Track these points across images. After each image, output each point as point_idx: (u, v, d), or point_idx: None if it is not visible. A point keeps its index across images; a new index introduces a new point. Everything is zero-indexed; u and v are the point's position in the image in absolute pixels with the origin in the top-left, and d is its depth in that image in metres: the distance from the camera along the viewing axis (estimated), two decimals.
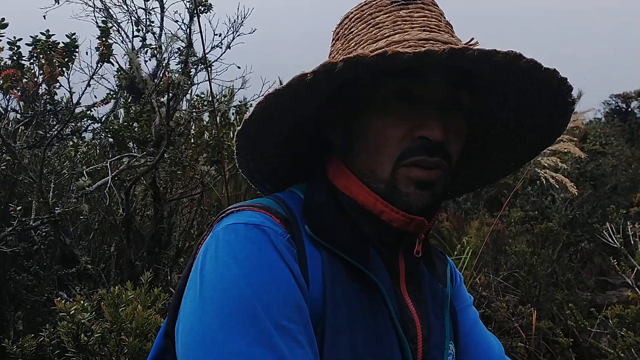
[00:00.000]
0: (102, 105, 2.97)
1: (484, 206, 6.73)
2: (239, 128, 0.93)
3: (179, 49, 2.80)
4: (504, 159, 1.13)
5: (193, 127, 3.26)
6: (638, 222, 2.91)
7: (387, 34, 0.90)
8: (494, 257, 4.62)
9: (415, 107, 0.89)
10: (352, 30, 0.98)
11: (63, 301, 1.70)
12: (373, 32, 0.93)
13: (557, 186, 3.09)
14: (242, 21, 2.67)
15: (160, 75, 2.89)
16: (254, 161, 1.02)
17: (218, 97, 3.25)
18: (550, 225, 4.92)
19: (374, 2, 0.97)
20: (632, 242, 2.64)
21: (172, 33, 2.70)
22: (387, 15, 0.94)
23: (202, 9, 2.75)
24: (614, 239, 2.50)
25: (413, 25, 0.91)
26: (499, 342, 1.12)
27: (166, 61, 2.80)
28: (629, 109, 9.75)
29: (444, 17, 0.98)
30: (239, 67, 2.72)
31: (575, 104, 0.95)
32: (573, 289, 4.63)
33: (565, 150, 3.14)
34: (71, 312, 1.65)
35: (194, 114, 2.86)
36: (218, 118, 2.89)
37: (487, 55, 0.78)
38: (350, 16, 1.00)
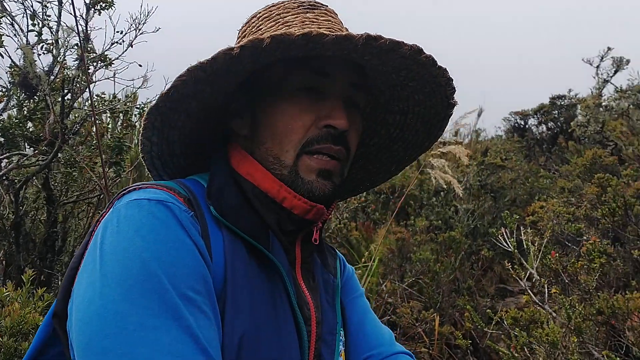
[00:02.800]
0: None
1: (391, 216, 6.90)
2: (152, 103, 0.91)
3: (76, 44, 2.66)
4: (386, 163, 1.21)
5: (94, 128, 3.11)
6: (531, 230, 3.07)
7: (310, 29, 0.94)
8: (399, 265, 4.73)
9: (321, 100, 0.95)
10: (260, 27, 1.01)
11: None
12: (282, 29, 0.96)
13: (445, 186, 3.21)
14: (145, 19, 2.58)
15: (57, 71, 2.73)
16: (158, 144, 1.00)
17: (121, 97, 3.11)
18: (453, 235, 5.11)
19: (281, 4, 1.03)
20: (525, 246, 2.78)
21: (67, 26, 2.55)
22: (295, 16, 0.99)
23: (103, 5, 2.62)
24: (509, 243, 2.62)
25: (320, 26, 0.97)
26: (390, 331, 1.17)
27: (62, 57, 2.65)
28: (527, 126, 10.37)
29: (344, 26, 1.06)
30: (140, 65, 2.62)
31: (455, 106, 1.03)
32: (474, 295, 4.81)
33: (454, 153, 3.26)
34: None
35: (91, 112, 2.72)
36: (118, 119, 2.77)
37: (396, 44, 0.84)
38: (258, 16, 1.04)
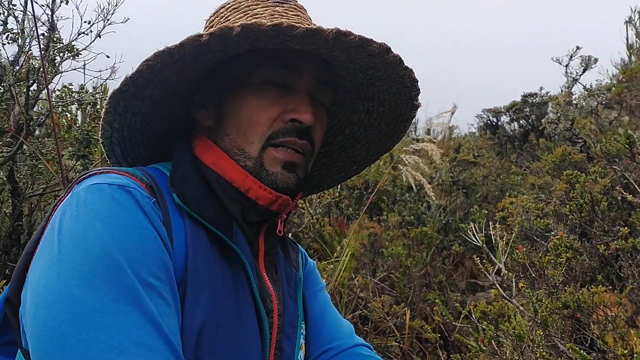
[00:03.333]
0: None
1: (365, 212, 6.93)
2: (115, 87, 0.89)
3: (42, 34, 2.59)
4: (348, 162, 1.22)
5: (62, 120, 3.05)
6: (500, 225, 3.10)
7: (280, 21, 0.93)
8: (371, 260, 4.75)
9: (288, 94, 0.95)
10: (229, 18, 1.00)
11: None
12: (252, 21, 0.94)
13: (414, 185, 3.24)
14: (114, 9, 2.52)
15: (22, 62, 2.67)
16: (119, 130, 0.97)
17: (89, 89, 3.05)
18: (425, 230, 5.15)
19: None
20: (493, 240, 2.81)
21: (33, 15, 2.49)
22: (265, 9, 0.98)
23: None
24: (477, 238, 2.65)
25: (289, 20, 0.95)
26: (350, 324, 1.18)
27: (28, 47, 2.59)
28: (499, 123, 10.50)
29: (313, 22, 1.05)
30: (108, 57, 2.57)
31: (419, 107, 1.04)
32: (445, 290, 4.86)
33: (427, 150, 3.29)
34: None
35: (59, 104, 2.66)
36: (87, 111, 2.71)
37: (365, 42, 0.85)
38: (227, 6, 1.03)
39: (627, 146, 3.83)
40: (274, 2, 1.00)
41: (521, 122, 9.76)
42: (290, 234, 4.52)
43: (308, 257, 1.22)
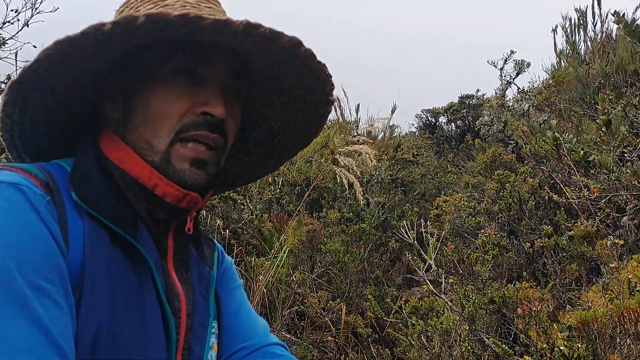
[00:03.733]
0: None
1: (305, 208, 6.96)
2: (13, 78, 0.84)
3: None
4: (265, 158, 1.20)
5: None
6: (434, 222, 3.19)
7: (188, 11, 0.90)
8: (309, 256, 4.78)
9: (199, 87, 0.91)
10: (139, 8, 0.97)
11: None
12: (159, 10, 0.91)
13: (347, 186, 3.30)
14: None
15: None
16: (19, 124, 0.92)
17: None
18: (364, 226, 5.22)
19: None
20: (424, 238, 2.88)
21: None
22: (175, 0, 0.95)
23: None
24: (409, 234, 2.71)
25: (201, 11, 0.93)
26: (265, 322, 1.19)
27: None
28: (437, 123, 10.76)
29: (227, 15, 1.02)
30: (35, 47, 2.47)
31: (334, 102, 1.04)
32: (382, 285, 4.94)
33: (360, 152, 3.35)
34: None
35: None
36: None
37: (276, 34, 0.83)
38: None
39: (554, 148, 4.00)
40: None
41: (458, 122, 10.05)
42: (228, 230, 4.49)
43: (225, 255, 1.20)
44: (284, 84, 1.04)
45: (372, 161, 3.25)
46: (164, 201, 0.91)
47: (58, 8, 2.51)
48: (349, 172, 3.37)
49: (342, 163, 3.42)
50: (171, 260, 0.96)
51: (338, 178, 3.45)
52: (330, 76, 0.97)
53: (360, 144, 3.43)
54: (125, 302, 0.82)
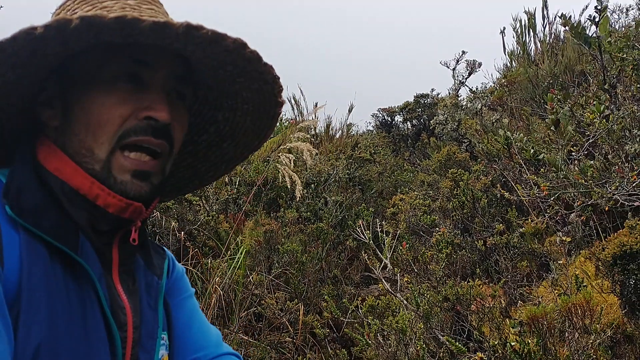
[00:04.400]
0: None
1: (263, 208, 6.93)
2: None
3: None
4: (216, 162, 1.18)
5: None
6: (389, 222, 3.22)
7: (124, 13, 0.87)
8: (267, 256, 4.75)
9: (142, 91, 0.88)
10: (76, 11, 0.93)
11: None
12: (95, 12, 0.88)
13: (289, 185, 3.30)
14: None
15: None
16: None
17: None
18: (321, 226, 5.23)
19: None
20: (380, 237, 2.91)
21: None
22: (115, 2, 0.92)
23: None
24: (365, 235, 2.73)
25: (142, 14, 0.90)
26: (218, 332, 1.17)
27: None
28: (393, 122, 10.87)
29: (170, 17, 0.99)
30: None
31: (283, 105, 1.03)
32: (340, 284, 4.96)
33: (299, 149, 3.35)
34: None
35: None
36: None
37: (219, 36, 0.81)
38: None
39: (506, 147, 4.10)
40: None
41: (414, 121, 10.18)
42: (184, 232, 4.42)
43: (177, 263, 1.18)
44: (231, 87, 1.02)
45: (311, 158, 3.25)
46: (107, 212, 0.88)
47: (2, 7, 2.42)
48: (290, 169, 3.36)
49: (284, 161, 3.41)
50: (116, 271, 0.93)
51: (280, 177, 3.43)
52: (278, 78, 0.95)
53: (303, 142, 3.43)
54: (66, 318, 0.79)
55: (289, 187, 3.41)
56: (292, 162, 3.34)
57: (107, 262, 0.91)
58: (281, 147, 3.53)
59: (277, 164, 3.55)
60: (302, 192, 6.76)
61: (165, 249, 1.15)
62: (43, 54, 0.79)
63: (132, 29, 0.75)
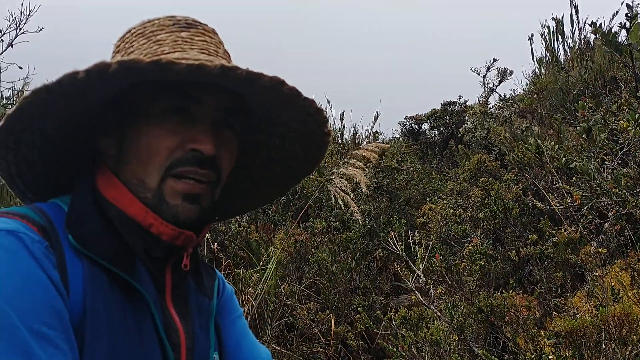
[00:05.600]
0: None
1: (292, 217, 6.97)
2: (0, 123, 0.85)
3: None
4: (269, 185, 1.22)
5: None
6: (419, 232, 3.22)
7: (166, 51, 0.93)
8: (297, 267, 4.78)
9: (189, 123, 0.93)
10: (133, 44, 0.98)
11: None
12: (153, 48, 0.95)
13: (343, 205, 3.34)
14: (27, 19, 2.42)
15: None
16: (16, 164, 0.94)
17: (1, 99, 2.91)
18: (350, 235, 5.24)
19: (156, 22, 1.00)
20: (412, 249, 2.91)
21: None
22: (169, 34, 0.97)
23: None
24: (397, 246, 2.74)
25: (193, 47, 0.95)
26: (267, 351, 1.20)
27: None
28: (421, 130, 10.83)
29: (223, 46, 1.04)
30: (20, 68, 2.46)
31: (330, 134, 1.05)
32: (370, 294, 4.96)
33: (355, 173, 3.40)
34: None
35: None
36: None
37: (255, 75, 0.84)
38: (132, 31, 1.01)
39: (537, 155, 4.07)
40: (180, 27, 0.98)
41: (441, 129, 10.13)
42: (216, 243, 4.48)
43: (226, 284, 1.21)
44: (278, 117, 1.06)
45: (364, 184, 3.29)
46: (160, 240, 0.92)
47: (43, 28, 2.51)
48: (344, 192, 3.40)
49: (338, 185, 3.45)
50: (169, 295, 0.97)
51: (333, 198, 3.48)
52: (322, 110, 0.98)
53: (356, 168, 3.47)
54: (125, 340, 0.84)
55: (343, 208, 3.45)
56: (348, 188, 3.38)
57: (161, 286, 0.95)
58: (334, 170, 3.57)
59: (329, 185, 3.58)
60: (331, 202, 6.78)
61: (215, 269, 1.19)
62: (90, 93, 0.85)
63: (169, 71, 0.78)
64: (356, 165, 3.51)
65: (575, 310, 2.87)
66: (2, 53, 2.51)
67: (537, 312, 2.95)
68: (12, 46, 2.51)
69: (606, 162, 3.63)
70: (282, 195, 1.24)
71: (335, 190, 3.43)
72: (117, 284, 0.86)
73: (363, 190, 3.32)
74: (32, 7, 2.40)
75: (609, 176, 3.51)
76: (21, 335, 0.70)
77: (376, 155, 3.45)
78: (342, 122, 9.71)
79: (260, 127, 1.11)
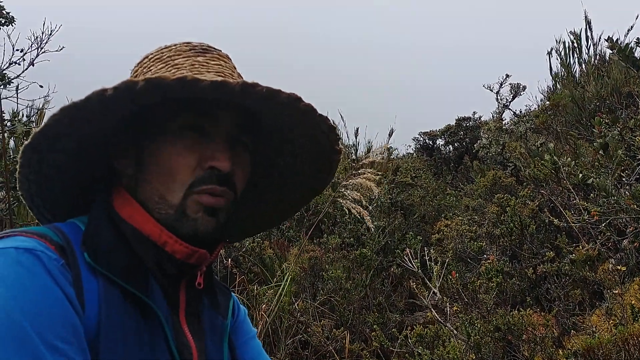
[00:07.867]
0: None
1: (305, 233, 6.95)
2: (26, 142, 0.88)
3: None
4: (280, 204, 1.24)
5: None
6: (434, 248, 3.20)
7: (185, 74, 0.94)
8: (312, 283, 4.77)
9: (206, 141, 0.95)
10: (150, 69, 1.02)
11: None
12: (172, 71, 0.98)
13: (359, 216, 3.33)
14: (48, 38, 2.47)
15: None
16: (36, 183, 0.97)
17: (21, 117, 2.96)
18: (364, 251, 5.22)
19: (173, 47, 1.04)
20: (428, 266, 2.89)
21: None
22: (186, 59, 1.00)
23: (3, 22, 2.50)
24: (413, 263, 2.72)
25: (209, 70, 0.99)
26: None
27: None
28: (435, 145, 10.81)
29: (237, 70, 1.08)
30: (41, 86, 2.50)
31: (341, 153, 1.08)
32: (384, 311, 4.92)
33: (367, 186, 3.39)
34: None
35: None
36: (21, 140, 2.63)
37: (274, 92, 0.88)
38: (149, 57, 1.05)
39: (553, 171, 4.04)
40: (196, 52, 1.02)
41: (456, 144, 10.11)
42: (230, 259, 4.49)
43: (240, 305, 1.23)
44: (290, 134, 1.08)
45: (375, 189, 3.28)
46: (174, 258, 0.94)
47: (63, 47, 2.56)
48: (357, 204, 3.39)
49: (349, 197, 3.45)
50: (183, 313, 0.98)
51: (346, 210, 3.47)
52: (334, 128, 1.02)
53: (362, 175, 3.46)
54: (138, 355, 0.85)
55: (355, 217, 3.44)
56: (361, 198, 3.37)
57: (175, 303, 0.97)
58: (343, 182, 3.57)
59: (340, 199, 3.58)
60: (345, 217, 6.76)
61: (229, 289, 1.20)
62: (114, 111, 0.88)
63: (193, 88, 0.82)
64: (367, 176, 3.50)
65: (594, 329, 2.82)
66: (23, 72, 2.55)
67: (554, 331, 2.91)
68: (33, 65, 2.56)
69: (624, 178, 3.59)
70: (293, 214, 1.26)
71: (347, 202, 3.42)
72: (131, 301, 0.88)
73: (375, 192, 3.29)
74: (53, 26, 2.45)
75: (626, 192, 3.47)
76: (37, 349, 0.71)
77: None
78: (356, 138, 9.74)
79: (271, 144, 1.13)
